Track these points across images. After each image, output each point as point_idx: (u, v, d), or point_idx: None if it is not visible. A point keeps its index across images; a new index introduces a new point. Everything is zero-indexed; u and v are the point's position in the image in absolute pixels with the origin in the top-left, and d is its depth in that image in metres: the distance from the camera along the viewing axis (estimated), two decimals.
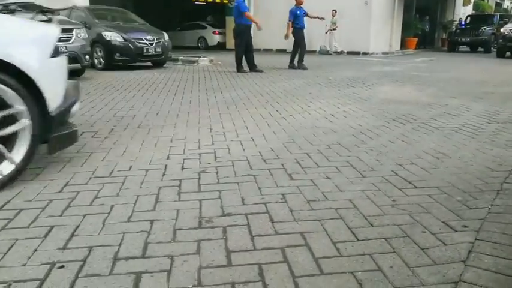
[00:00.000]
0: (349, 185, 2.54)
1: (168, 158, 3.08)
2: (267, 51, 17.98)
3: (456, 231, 1.95)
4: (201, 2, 18.48)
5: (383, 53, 16.16)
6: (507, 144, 3.46)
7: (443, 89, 6.70)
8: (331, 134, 3.82)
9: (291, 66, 10.20)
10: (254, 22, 9.05)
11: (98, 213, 2.12)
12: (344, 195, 2.38)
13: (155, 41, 9.56)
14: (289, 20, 10.05)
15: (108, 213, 2.13)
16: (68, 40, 7.19)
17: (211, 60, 11.39)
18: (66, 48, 7.03)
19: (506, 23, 17.00)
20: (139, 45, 9.27)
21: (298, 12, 10.10)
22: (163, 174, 2.72)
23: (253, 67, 9.27)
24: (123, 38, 9.12)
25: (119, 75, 8.22)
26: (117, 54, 9.11)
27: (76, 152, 3.16)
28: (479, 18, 20.74)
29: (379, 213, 2.14)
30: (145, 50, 9.35)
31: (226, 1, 18.12)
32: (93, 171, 2.74)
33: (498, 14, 24.40)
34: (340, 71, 9.51)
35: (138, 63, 9.82)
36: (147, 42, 9.40)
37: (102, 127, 3.99)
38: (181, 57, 11.52)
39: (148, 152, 3.21)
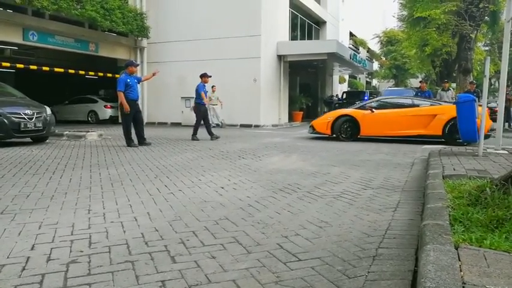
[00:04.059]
0: (234, 263, 2.45)
1: (32, 248, 2.69)
2: (162, 124, 17.95)
3: None
4: (92, 76, 18.03)
5: (273, 125, 17.19)
6: (380, 209, 3.74)
7: (326, 158, 7.21)
8: (220, 208, 3.76)
9: (215, 137, 10.65)
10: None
11: None
12: (228, 276, 2.26)
13: (35, 116, 8.88)
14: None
15: None
16: None
17: (100, 135, 10.91)
18: None
19: (375, 97, 19.53)
20: (15, 120, 8.51)
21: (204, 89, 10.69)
22: (23, 269, 2.34)
23: (142, 140, 9.09)
24: None
25: None
26: None
27: None
28: (354, 94, 23.59)
29: None
30: (23, 125, 8.59)
31: (118, 76, 17.96)
32: None
33: (368, 90, 28.08)
34: (233, 143, 9.77)
35: (15, 140, 8.96)
36: (26, 116, 8.68)
37: None
38: (66, 132, 10.85)
39: (8, 243, 2.77)
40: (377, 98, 12.61)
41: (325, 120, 11.04)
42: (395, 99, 12.22)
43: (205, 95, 10.78)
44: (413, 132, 10.04)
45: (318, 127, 11.06)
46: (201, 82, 10.73)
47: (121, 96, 8.77)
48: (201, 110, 10.75)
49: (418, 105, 10.44)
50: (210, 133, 10.74)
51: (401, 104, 10.77)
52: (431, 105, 10.41)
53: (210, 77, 10.91)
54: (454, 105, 10.64)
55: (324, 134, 10.92)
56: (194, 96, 11.06)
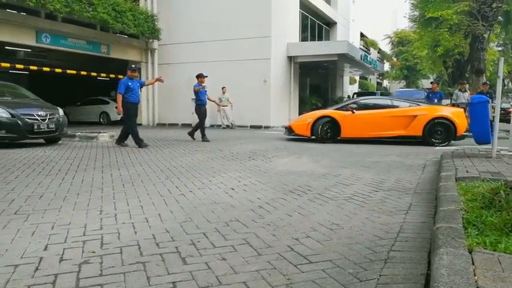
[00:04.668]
0: (245, 265, 2.44)
1: (45, 248, 2.72)
2: (173, 125, 18.06)
3: None
4: (104, 77, 18.21)
5: (283, 127, 17.11)
6: (392, 211, 3.70)
7: (336, 160, 7.17)
8: (231, 209, 3.76)
9: (192, 139, 10.71)
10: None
11: None
12: (239, 278, 2.26)
13: (48, 117, 8.99)
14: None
15: None
16: None
17: (111, 136, 10.99)
18: None
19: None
20: (29, 121, 8.62)
21: (201, 89, 10.72)
22: (36, 270, 2.37)
23: (120, 141, 9.44)
24: (10, 114, 8.43)
25: (2, 154, 7.45)
26: (3, 131, 8.33)
27: None
28: (364, 95, 23.38)
29: None
30: (36, 127, 8.70)
31: None
32: None
33: (379, 91, 27.91)
34: (243, 145, 9.77)
35: (28, 141, 9.08)
36: (39, 118, 8.79)
37: None
38: (78, 133, 10.97)
39: (22, 243, 2.81)
40: (357, 99, 12.41)
41: (304, 121, 10.85)
42: (375, 100, 12.16)
43: (204, 94, 10.83)
44: (394, 133, 10.02)
45: (297, 129, 10.86)
46: (197, 82, 10.87)
47: (119, 98, 9.01)
48: (201, 111, 10.85)
49: (397, 106, 10.40)
50: (193, 132, 10.86)
51: (381, 105, 10.72)
52: (409, 106, 10.38)
53: (206, 77, 11.01)
54: (434, 106, 10.67)
55: (303, 136, 10.79)
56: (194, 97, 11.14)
